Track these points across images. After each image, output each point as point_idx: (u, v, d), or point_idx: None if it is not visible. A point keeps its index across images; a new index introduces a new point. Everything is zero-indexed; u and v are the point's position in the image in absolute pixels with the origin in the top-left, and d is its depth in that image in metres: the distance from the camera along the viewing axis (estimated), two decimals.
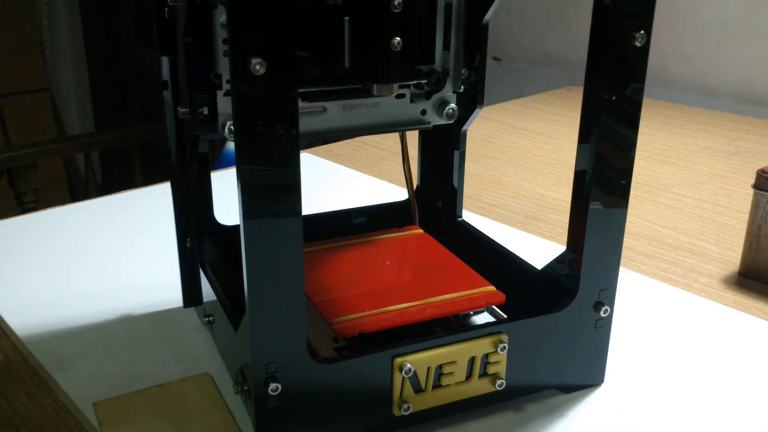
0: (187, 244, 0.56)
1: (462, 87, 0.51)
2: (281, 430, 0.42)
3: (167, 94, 0.51)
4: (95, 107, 2.16)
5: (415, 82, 0.50)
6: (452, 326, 0.51)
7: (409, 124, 0.51)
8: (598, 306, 0.47)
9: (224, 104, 0.46)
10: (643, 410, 0.48)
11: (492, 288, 0.50)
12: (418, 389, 0.44)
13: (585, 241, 0.45)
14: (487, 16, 0.52)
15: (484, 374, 0.46)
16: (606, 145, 0.44)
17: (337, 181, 0.92)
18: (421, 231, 0.60)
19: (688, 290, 0.65)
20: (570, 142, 1.08)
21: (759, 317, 0.60)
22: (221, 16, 0.44)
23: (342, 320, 0.45)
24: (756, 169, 0.65)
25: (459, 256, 0.55)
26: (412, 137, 0.62)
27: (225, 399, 0.49)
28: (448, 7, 0.48)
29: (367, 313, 0.46)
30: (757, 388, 0.51)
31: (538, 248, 0.72)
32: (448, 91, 0.51)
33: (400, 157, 0.58)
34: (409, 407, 0.44)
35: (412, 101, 0.50)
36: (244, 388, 0.44)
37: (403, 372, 0.43)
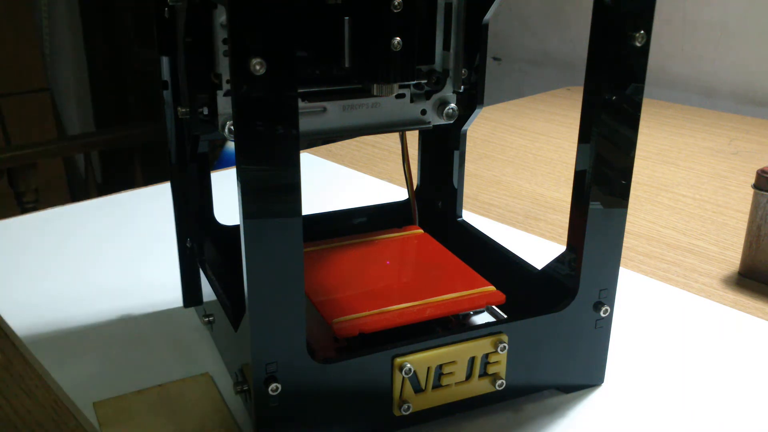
0: (187, 244, 0.56)
1: (462, 87, 0.51)
2: (281, 430, 0.42)
3: (167, 94, 0.51)
4: (95, 107, 2.16)
5: (415, 82, 0.50)
6: (452, 326, 0.51)
7: (409, 124, 0.51)
8: (598, 306, 0.47)
9: (224, 104, 0.46)
10: (643, 410, 0.48)
11: (492, 288, 0.50)
12: (418, 389, 0.44)
13: (585, 241, 0.45)
14: (487, 16, 0.52)
15: (484, 374, 0.46)
16: (606, 145, 0.44)
17: (337, 181, 0.92)
18: (421, 231, 0.60)
19: (687, 290, 0.65)
20: (570, 142, 1.08)
21: (759, 317, 0.60)
22: (221, 16, 0.44)
23: (342, 320, 0.45)
24: (756, 169, 0.65)
25: (459, 256, 0.54)
26: (412, 137, 0.62)
27: (225, 399, 0.49)
28: (448, 7, 0.48)
29: (367, 313, 0.46)
30: (757, 388, 0.51)
31: (538, 248, 0.72)
32: (448, 91, 0.51)
33: (400, 157, 0.58)
34: (409, 407, 0.44)
35: (412, 101, 0.50)
36: (244, 388, 0.44)
37: (403, 372, 0.43)
